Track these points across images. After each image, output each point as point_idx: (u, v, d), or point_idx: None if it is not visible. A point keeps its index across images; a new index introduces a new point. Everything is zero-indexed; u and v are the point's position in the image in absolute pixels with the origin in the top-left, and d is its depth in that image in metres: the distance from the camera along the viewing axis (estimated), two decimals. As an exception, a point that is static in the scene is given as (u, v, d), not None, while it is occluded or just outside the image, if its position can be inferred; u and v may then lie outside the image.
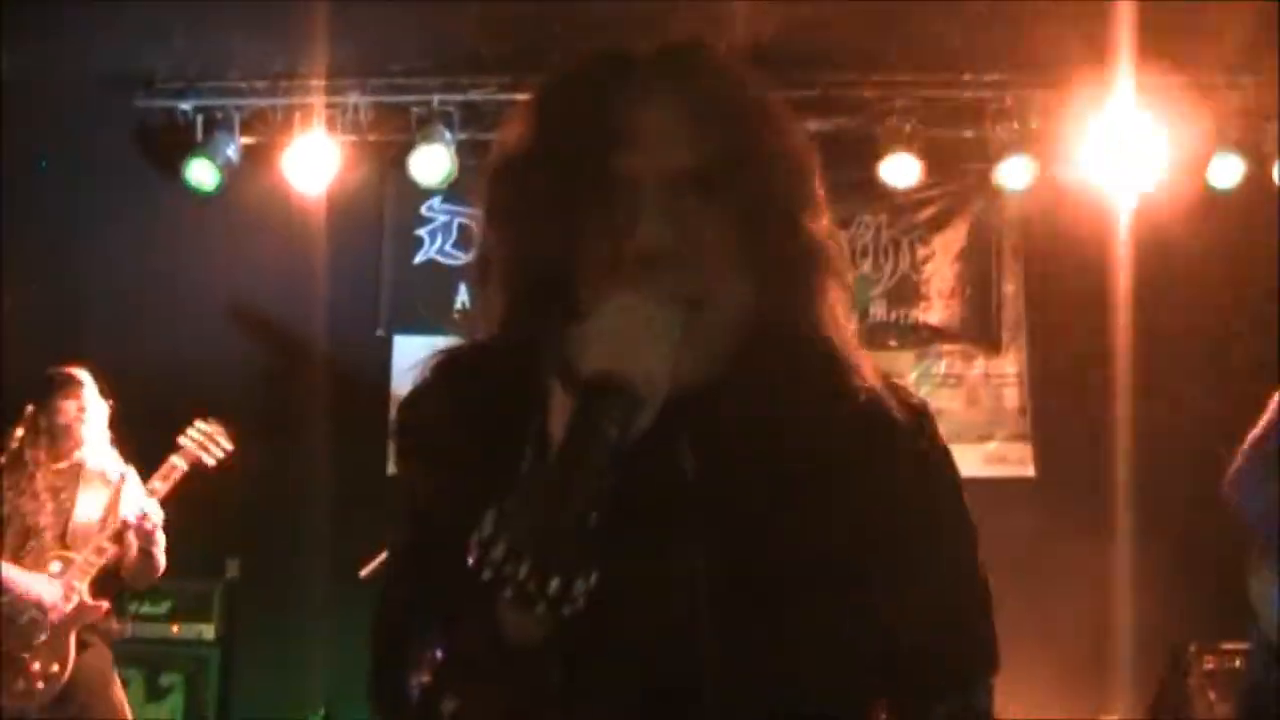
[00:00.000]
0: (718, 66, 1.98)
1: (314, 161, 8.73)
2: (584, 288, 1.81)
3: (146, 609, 8.03)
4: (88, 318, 8.71)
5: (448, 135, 8.61)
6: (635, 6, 7.78)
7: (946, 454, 2.08)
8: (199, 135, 8.78)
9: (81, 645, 5.64)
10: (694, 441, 1.84)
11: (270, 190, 8.84)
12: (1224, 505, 5.08)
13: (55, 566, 5.60)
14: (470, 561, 1.57)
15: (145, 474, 6.10)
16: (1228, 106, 8.49)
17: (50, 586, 5.52)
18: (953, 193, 9.18)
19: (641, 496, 1.72)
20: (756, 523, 1.83)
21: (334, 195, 8.85)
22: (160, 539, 5.82)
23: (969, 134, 8.79)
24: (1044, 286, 9.03)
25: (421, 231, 9.25)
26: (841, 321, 1.96)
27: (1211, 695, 7.74)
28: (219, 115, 8.85)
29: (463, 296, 9.12)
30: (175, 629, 8.08)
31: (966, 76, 8.64)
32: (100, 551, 5.64)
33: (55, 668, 5.47)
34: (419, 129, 8.66)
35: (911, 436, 1.99)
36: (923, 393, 8.52)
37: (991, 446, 9.06)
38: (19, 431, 5.78)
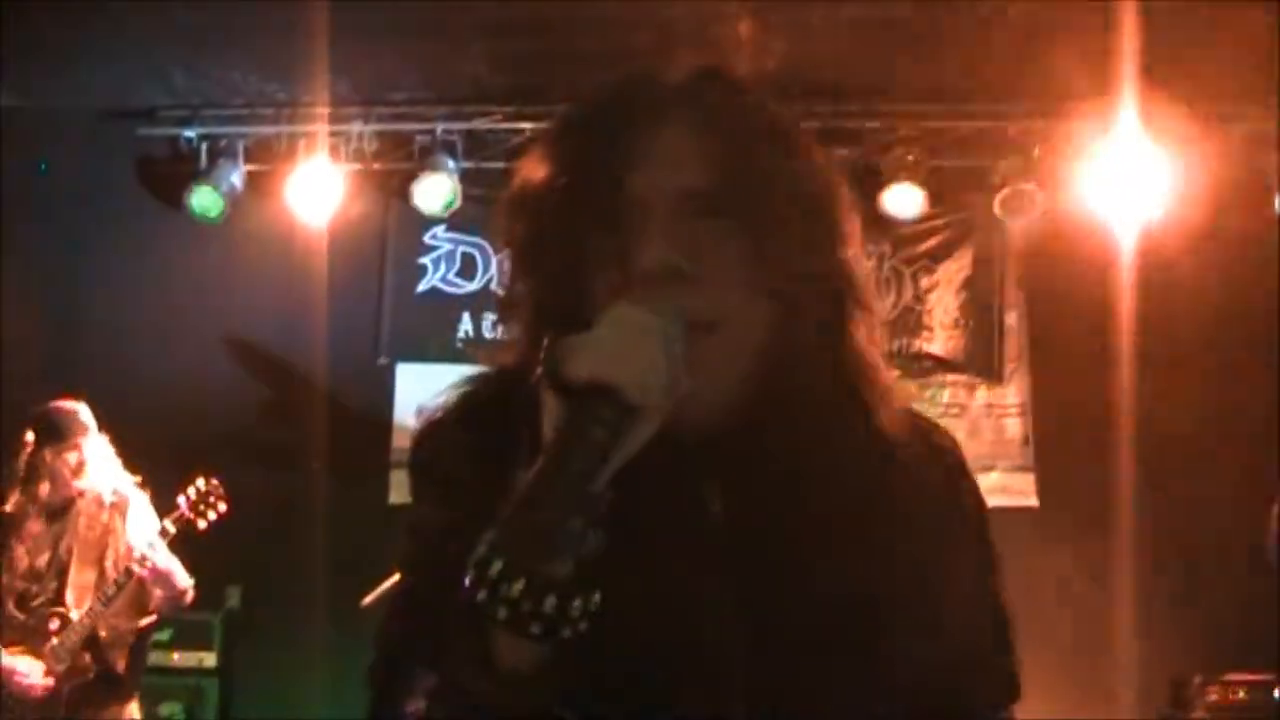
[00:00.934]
0: (735, 89, 1.96)
1: (317, 190, 8.74)
2: (596, 313, 1.73)
3: (148, 637, 8.01)
4: (90, 346, 8.71)
5: (451, 164, 8.63)
6: (637, 39, 7.84)
7: (974, 487, 2.04)
8: (203, 164, 8.79)
9: (101, 690, 5.59)
10: (719, 475, 1.79)
11: (273, 218, 8.85)
12: (1268, 565, 5.02)
13: (54, 624, 5.57)
14: (467, 583, 1.53)
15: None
16: (1232, 137, 8.50)
17: (32, 665, 5.47)
18: (956, 223, 9.17)
19: (662, 528, 1.71)
20: (783, 561, 1.77)
21: (337, 223, 8.85)
22: (170, 570, 5.76)
23: (972, 164, 8.80)
24: (1047, 317, 9.02)
25: (424, 260, 9.24)
26: (867, 349, 1.91)
27: (1215, 728, 7.73)
28: (223, 143, 8.87)
29: (466, 325, 9.13)
30: (175, 657, 8.04)
31: (970, 107, 8.66)
32: (93, 614, 5.58)
33: None
34: (422, 157, 8.68)
35: (940, 472, 1.96)
36: (925, 423, 8.58)
37: (994, 477, 9.02)
38: (16, 481, 5.71)
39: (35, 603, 5.57)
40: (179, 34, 7.98)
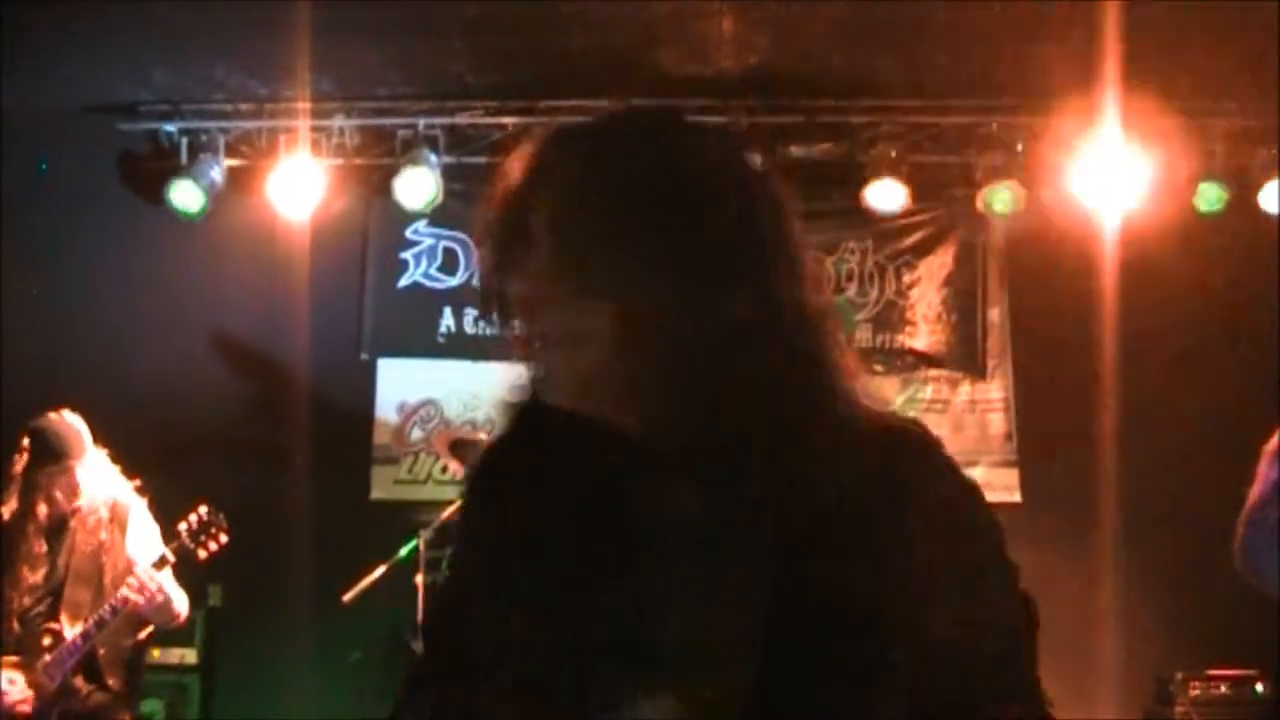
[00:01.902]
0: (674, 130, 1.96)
1: (299, 185, 8.71)
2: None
3: (127, 634, 7.98)
4: (73, 341, 8.65)
5: (433, 159, 8.60)
6: (620, 36, 7.83)
7: (978, 494, 2.01)
8: (184, 158, 8.75)
9: (94, 715, 5.55)
10: (700, 479, 1.78)
11: (255, 214, 8.83)
12: (1241, 576, 5.02)
13: (46, 641, 5.53)
14: None
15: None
16: (1214, 132, 8.52)
17: (15, 684, 5.43)
18: (939, 218, 9.19)
19: (650, 533, 1.75)
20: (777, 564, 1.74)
21: (318, 219, 8.83)
22: (168, 600, 5.68)
23: (955, 160, 8.81)
24: (1030, 311, 9.03)
25: (406, 255, 9.22)
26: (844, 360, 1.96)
27: (1198, 723, 7.74)
28: (204, 138, 8.83)
29: (448, 320, 9.11)
30: (157, 654, 7.99)
31: (953, 102, 8.65)
32: (87, 636, 5.52)
33: None
34: (404, 153, 8.65)
35: (944, 486, 1.95)
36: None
37: (978, 472, 9.01)
38: (12, 494, 5.66)
39: (30, 616, 5.52)
40: (160, 30, 7.92)
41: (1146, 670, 8.14)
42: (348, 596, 7.21)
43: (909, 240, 9.19)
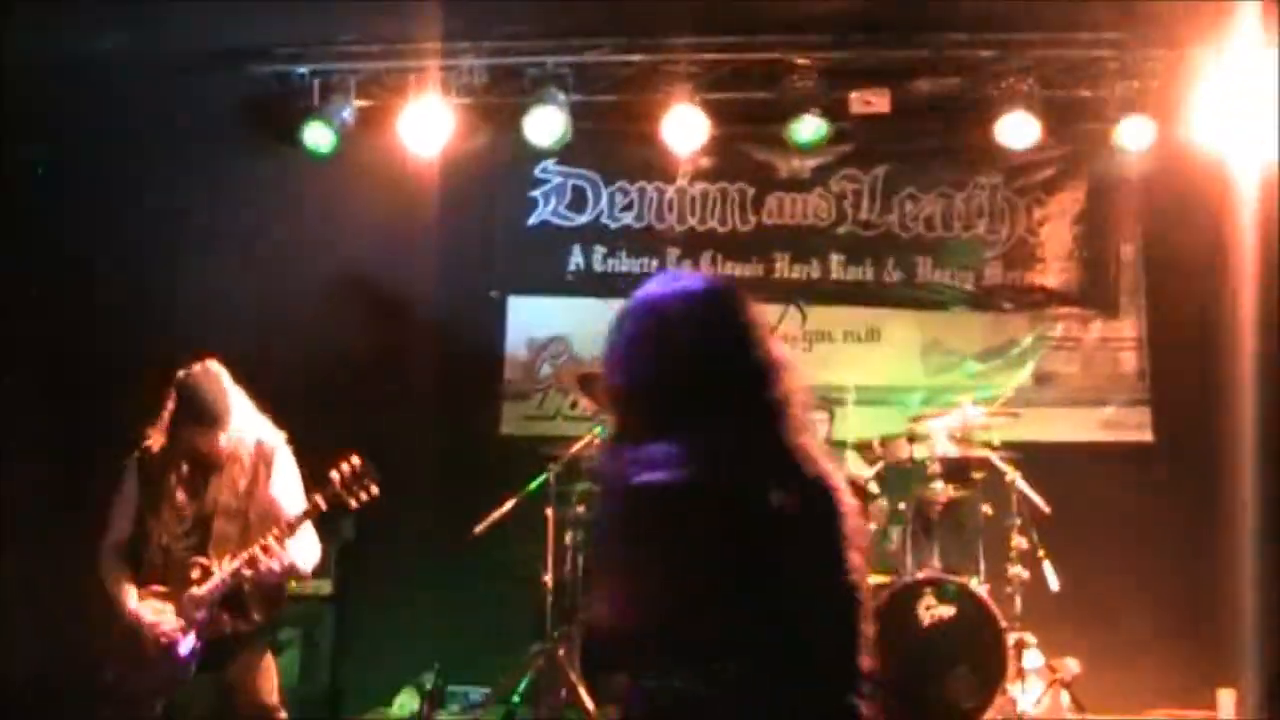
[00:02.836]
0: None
1: (428, 124, 8.76)
2: None
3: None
4: (204, 282, 8.80)
5: (561, 97, 8.62)
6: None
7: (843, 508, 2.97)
8: (315, 100, 8.85)
9: (237, 644, 5.71)
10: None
11: (385, 153, 8.90)
12: None
13: (194, 574, 5.67)
14: None
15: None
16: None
17: (162, 609, 5.58)
18: (1070, 154, 9.06)
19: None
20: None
21: (448, 158, 8.90)
22: (293, 564, 5.76)
23: (1087, 94, 8.64)
24: (1164, 248, 8.88)
25: (535, 193, 9.31)
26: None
27: (1334, 665, 7.63)
28: (334, 80, 8.91)
29: (576, 257, 9.19)
30: (293, 585, 8.17)
31: (1084, 35, 8.48)
32: (236, 574, 5.64)
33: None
34: (532, 91, 8.68)
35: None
36: (1037, 356, 8.53)
37: (1108, 411, 8.96)
38: (157, 436, 5.79)
39: (178, 549, 5.65)
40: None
41: (1276, 616, 8.01)
42: (478, 529, 7.33)
43: (1040, 176, 9.09)
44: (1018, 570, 7.39)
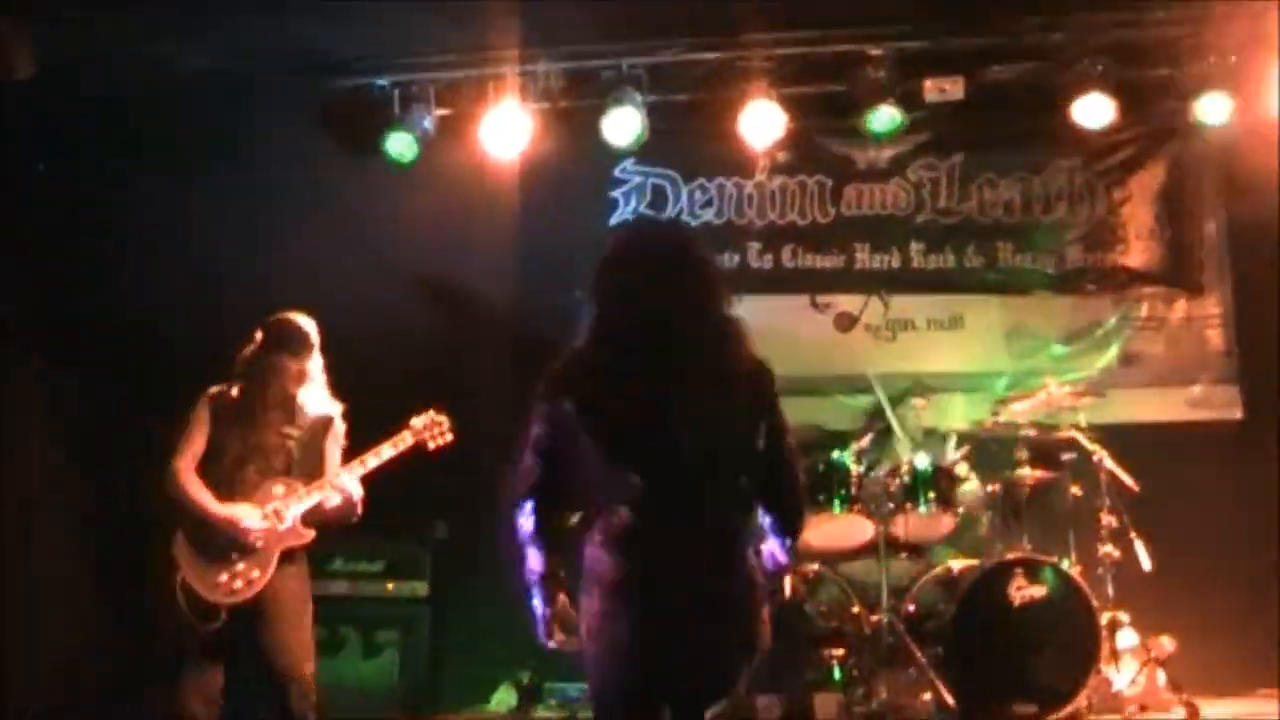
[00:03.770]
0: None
1: (508, 130, 8.88)
2: None
3: (363, 567, 8.30)
4: (289, 292, 8.89)
5: (638, 97, 8.70)
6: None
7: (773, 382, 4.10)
8: (396, 110, 8.99)
9: (285, 560, 5.88)
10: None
11: (466, 160, 9.02)
12: None
13: (279, 489, 5.85)
14: None
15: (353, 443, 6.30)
16: None
17: (251, 513, 5.78)
18: (1148, 133, 9.03)
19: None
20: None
21: (527, 162, 9.01)
22: (360, 496, 6.03)
23: (1163, 72, 8.60)
24: (1247, 224, 8.81)
25: (616, 193, 9.41)
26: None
27: None
28: (414, 89, 9.05)
29: (659, 256, 9.22)
30: (390, 587, 8.32)
31: (1159, 13, 8.44)
32: (319, 491, 5.87)
33: (256, 574, 5.74)
34: (609, 93, 8.76)
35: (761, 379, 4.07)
36: (1122, 337, 8.48)
37: (1195, 391, 8.91)
38: (241, 376, 6.05)
39: (264, 469, 5.90)
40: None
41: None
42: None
43: (1118, 156, 9.06)
44: (1109, 550, 7.37)
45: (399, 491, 7.98)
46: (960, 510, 7.45)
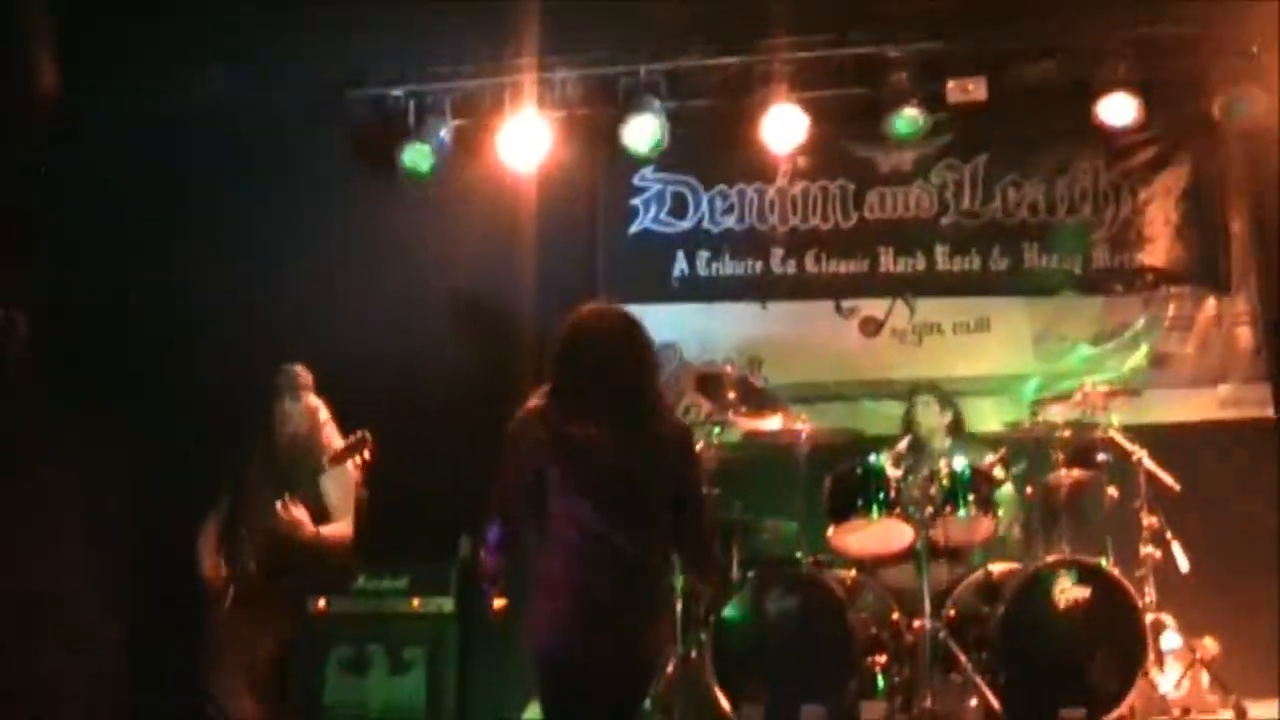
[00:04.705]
0: None
1: (525, 139, 8.84)
2: None
3: (387, 584, 8.19)
4: (310, 309, 8.85)
5: (657, 104, 8.65)
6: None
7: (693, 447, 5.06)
8: (411, 121, 8.93)
9: None
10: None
11: (483, 170, 9.01)
12: None
13: None
14: None
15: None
16: None
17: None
18: (1173, 131, 8.96)
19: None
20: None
21: (546, 171, 8.97)
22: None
23: (1187, 69, 8.55)
24: (1274, 221, 8.73)
25: (635, 201, 9.31)
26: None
27: None
28: (430, 100, 9.01)
29: (680, 264, 9.20)
30: (416, 604, 8.22)
31: (1182, 10, 8.39)
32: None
33: None
34: (627, 99, 8.72)
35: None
36: (1151, 338, 8.43)
37: (1224, 390, 8.83)
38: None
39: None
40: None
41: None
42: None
43: (1143, 156, 9.00)
44: (1149, 550, 7.29)
45: (423, 509, 7.93)
46: (1000, 514, 7.35)
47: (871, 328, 9.15)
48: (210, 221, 8.71)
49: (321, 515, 6.51)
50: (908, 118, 8.56)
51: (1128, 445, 7.42)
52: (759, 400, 7.35)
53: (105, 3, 8.13)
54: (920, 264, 9.08)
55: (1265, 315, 8.84)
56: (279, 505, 6.35)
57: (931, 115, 8.60)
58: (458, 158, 9.03)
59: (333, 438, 6.65)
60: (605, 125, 8.90)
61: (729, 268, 9.18)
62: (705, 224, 9.22)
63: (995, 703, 6.70)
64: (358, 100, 9.18)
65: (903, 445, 7.58)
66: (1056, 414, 7.63)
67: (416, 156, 8.91)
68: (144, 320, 8.39)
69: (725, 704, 6.91)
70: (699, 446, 6.78)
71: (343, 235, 9.01)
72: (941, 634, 6.96)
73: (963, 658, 6.90)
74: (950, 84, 8.56)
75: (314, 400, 6.78)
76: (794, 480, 7.47)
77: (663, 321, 9.13)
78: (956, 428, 8.09)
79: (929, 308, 9.10)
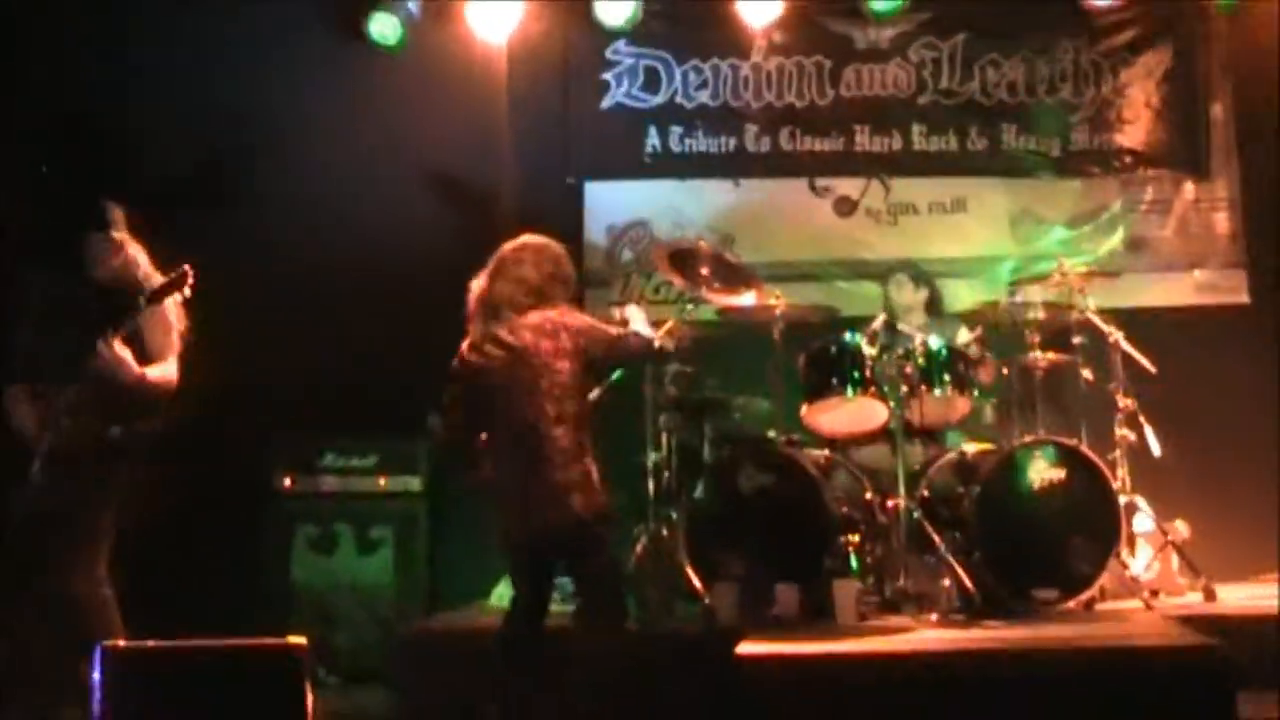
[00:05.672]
0: None
1: (496, 11, 8.69)
2: None
3: (355, 462, 8.12)
4: (277, 180, 8.71)
5: (632, -25, 8.49)
6: None
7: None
8: (380, -10, 8.74)
9: None
10: None
11: (453, 42, 8.84)
12: None
13: None
14: None
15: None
16: None
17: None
18: (1155, 13, 8.85)
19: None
20: None
21: (517, 43, 8.82)
22: None
23: (1172, -53, 8.44)
24: (1256, 106, 8.66)
25: (607, 75, 9.11)
26: None
27: None
28: (399, -33, 8.80)
29: (653, 139, 9.05)
30: (382, 482, 8.14)
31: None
32: None
33: None
34: (602, -29, 8.54)
35: None
36: (1127, 221, 8.36)
37: (1201, 275, 8.79)
38: None
39: None
40: None
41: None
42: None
43: (1124, 36, 8.87)
44: (1124, 433, 7.26)
45: (391, 385, 7.82)
46: (975, 393, 7.28)
47: (846, 207, 9.05)
48: (168, 86, 8.57)
49: (142, 357, 5.90)
50: (887, -7, 8.46)
51: (1104, 327, 7.37)
52: (733, 275, 7.20)
53: None
54: (897, 143, 8.94)
55: (1244, 201, 8.78)
56: (100, 344, 5.76)
57: (911, -9, 8.48)
58: (428, 29, 8.86)
59: (150, 275, 6.12)
60: (579, -3, 8.75)
61: (702, 144, 9.02)
62: (679, 99, 9.05)
63: (968, 582, 6.67)
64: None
65: (878, 323, 7.50)
66: (1033, 295, 7.55)
67: (385, 27, 8.76)
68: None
69: (697, 582, 6.86)
70: (669, 324, 6.71)
71: (314, 104, 8.83)
72: (916, 513, 6.91)
73: (937, 537, 6.86)
74: (930, -42, 8.44)
75: (124, 234, 6.22)
76: (768, 358, 7.36)
77: (635, 197, 9.08)
78: (933, 306, 8.04)
79: (905, 188, 9.00)
